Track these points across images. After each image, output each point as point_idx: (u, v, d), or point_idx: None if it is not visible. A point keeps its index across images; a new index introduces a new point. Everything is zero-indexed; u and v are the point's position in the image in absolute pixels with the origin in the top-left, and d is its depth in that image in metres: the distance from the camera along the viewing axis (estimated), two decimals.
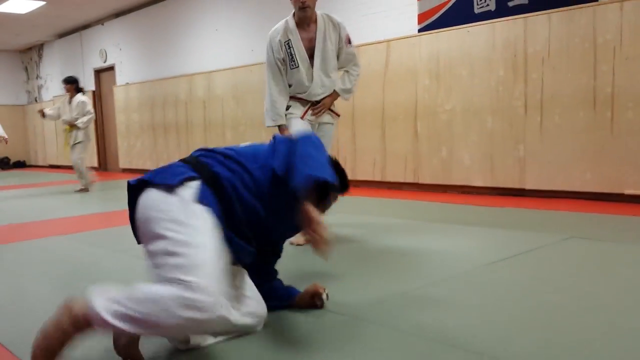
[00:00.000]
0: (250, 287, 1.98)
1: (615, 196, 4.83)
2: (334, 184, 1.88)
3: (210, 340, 1.86)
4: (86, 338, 1.58)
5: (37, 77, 14.48)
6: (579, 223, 3.94)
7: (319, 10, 3.56)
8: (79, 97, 7.55)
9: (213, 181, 1.80)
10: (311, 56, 3.53)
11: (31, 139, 15.06)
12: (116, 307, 1.50)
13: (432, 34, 5.99)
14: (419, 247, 3.38)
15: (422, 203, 5.29)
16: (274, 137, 2.01)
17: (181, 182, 1.75)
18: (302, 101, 3.62)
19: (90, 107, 7.61)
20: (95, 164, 12.25)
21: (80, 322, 1.51)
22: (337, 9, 6.56)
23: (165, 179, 1.77)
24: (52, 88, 13.75)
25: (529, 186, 5.35)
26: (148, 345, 1.82)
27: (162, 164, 10.07)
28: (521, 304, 2.21)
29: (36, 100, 14.58)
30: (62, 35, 12.98)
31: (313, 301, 2.19)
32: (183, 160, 1.92)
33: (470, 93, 5.71)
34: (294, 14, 3.51)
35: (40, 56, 14.24)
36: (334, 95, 3.67)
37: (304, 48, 3.51)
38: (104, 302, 1.51)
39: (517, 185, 5.44)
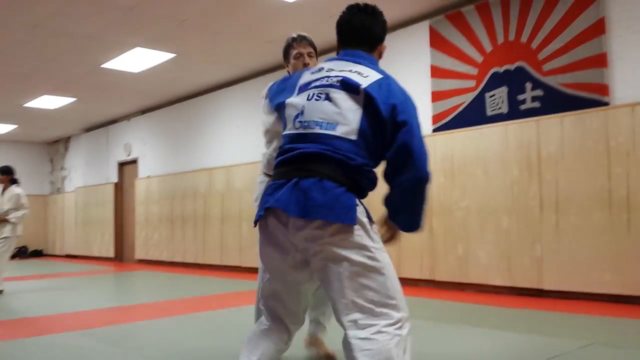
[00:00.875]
0: None
1: (636, 299, 4.71)
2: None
3: None
4: None
5: (62, 168, 14.92)
6: (600, 328, 3.83)
7: None
8: (14, 189, 6.80)
9: None
10: None
11: (50, 228, 15.28)
12: None
13: (446, 134, 6.15)
14: (435, 352, 3.29)
15: (438, 301, 5.19)
16: None
17: None
18: None
19: (25, 200, 6.85)
20: (112, 254, 12.32)
21: None
22: None
23: None
24: (75, 179, 14.12)
25: (547, 286, 5.26)
26: None
27: (178, 256, 10.16)
28: None
29: (58, 191, 14.94)
30: (89, 129, 13.50)
31: None
32: None
33: (485, 192, 5.76)
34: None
35: (66, 148, 14.75)
36: None
37: None
38: None
39: (535, 286, 5.34)
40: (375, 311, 1.74)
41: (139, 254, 11.44)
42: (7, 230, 6.61)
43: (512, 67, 5.71)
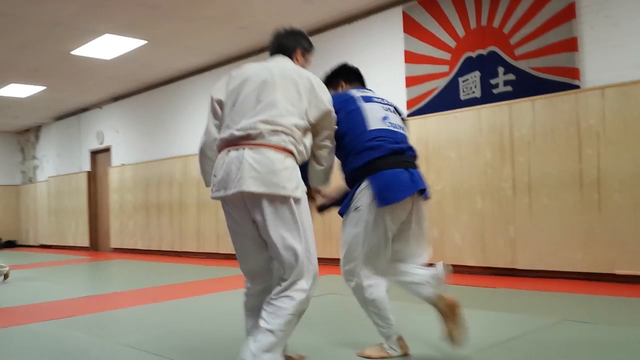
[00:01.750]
0: None
1: (606, 276, 4.86)
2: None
3: None
4: None
5: (33, 157, 14.65)
6: (571, 305, 3.95)
7: None
8: None
9: None
10: None
11: (23, 218, 15.03)
12: None
13: (420, 119, 6.20)
14: (413, 331, 3.36)
15: None
16: None
17: None
18: None
19: None
20: (87, 244, 12.20)
21: None
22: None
23: None
24: (47, 168, 13.90)
25: (520, 266, 5.38)
26: None
27: (154, 244, 10.11)
28: None
29: (31, 181, 14.69)
30: (61, 117, 13.27)
31: None
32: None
33: (459, 175, 5.85)
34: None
35: (37, 137, 14.48)
36: None
37: None
38: None
39: (508, 265, 5.46)
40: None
41: (114, 242, 11.35)
42: None
43: (484, 51, 5.78)
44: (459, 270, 5.84)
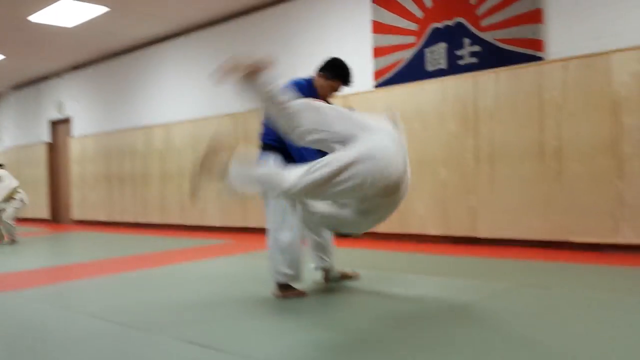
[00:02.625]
0: None
1: (562, 244, 5.00)
2: None
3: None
4: None
5: None
6: (528, 271, 4.04)
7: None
8: None
9: None
10: None
11: None
12: None
13: (386, 90, 6.21)
14: (371, 298, 3.40)
15: (378, 252, 5.33)
16: None
17: None
18: None
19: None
20: (47, 216, 11.93)
21: None
22: (300, 65, 6.75)
23: None
24: (5, 139, 13.48)
25: (481, 234, 5.49)
26: None
27: (116, 216, 9.96)
28: (465, 354, 2.25)
29: None
30: (19, 87, 12.85)
31: None
32: None
33: (423, 145, 5.89)
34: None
35: None
36: None
37: None
38: None
39: (469, 234, 5.56)
40: None
41: (76, 214, 11.13)
42: None
43: (451, 22, 5.79)
44: (422, 239, 5.93)
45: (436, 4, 5.91)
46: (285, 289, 3.31)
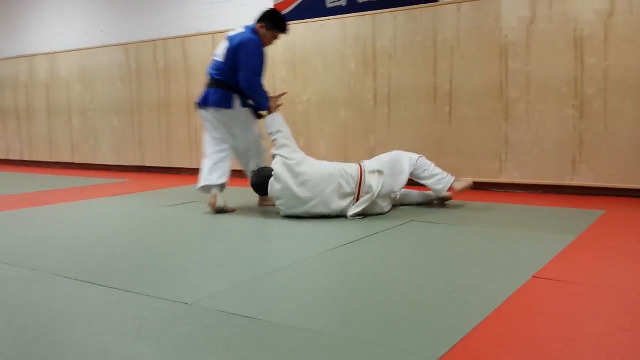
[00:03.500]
0: None
1: None
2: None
3: None
4: None
5: None
6: (419, 209, 4.26)
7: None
8: None
9: None
10: None
11: None
12: None
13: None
14: (270, 235, 3.46)
15: None
16: None
17: None
18: None
19: None
20: None
21: None
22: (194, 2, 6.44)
23: None
24: None
25: None
26: None
27: (0, 153, 9.28)
28: (360, 283, 2.36)
29: None
30: None
31: None
32: None
33: (325, 85, 5.91)
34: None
35: None
36: None
37: None
38: None
39: None
40: None
41: None
42: None
43: None
44: None
45: None
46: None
